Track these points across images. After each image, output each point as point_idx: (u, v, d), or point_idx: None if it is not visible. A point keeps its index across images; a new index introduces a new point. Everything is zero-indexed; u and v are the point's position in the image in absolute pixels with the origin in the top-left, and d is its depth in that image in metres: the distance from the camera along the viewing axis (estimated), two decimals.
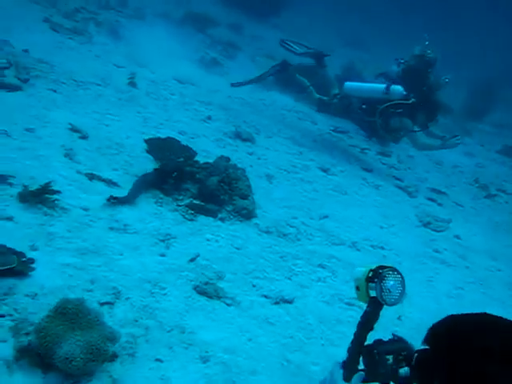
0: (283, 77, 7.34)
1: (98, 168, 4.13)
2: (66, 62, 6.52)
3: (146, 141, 4.29)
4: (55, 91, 5.39)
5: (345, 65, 10.80)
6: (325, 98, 7.01)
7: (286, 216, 4.65)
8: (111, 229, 3.36)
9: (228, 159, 4.62)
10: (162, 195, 4.04)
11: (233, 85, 7.50)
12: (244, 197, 4.24)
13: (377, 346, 1.53)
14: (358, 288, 1.67)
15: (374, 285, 1.61)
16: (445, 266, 4.63)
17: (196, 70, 8.67)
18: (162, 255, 3.29)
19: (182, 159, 4.21)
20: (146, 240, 3.38)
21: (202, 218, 3.99)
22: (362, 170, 6.78)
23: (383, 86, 6.29)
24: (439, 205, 6.35)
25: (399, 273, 1.63)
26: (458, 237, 5.53)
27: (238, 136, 6.29)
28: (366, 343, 1.56)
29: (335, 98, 6.89)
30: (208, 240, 3.70)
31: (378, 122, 6.35)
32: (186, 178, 4.21)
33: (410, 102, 6.10)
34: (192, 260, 3.33)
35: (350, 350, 1.59)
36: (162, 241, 3.44)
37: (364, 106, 6.59)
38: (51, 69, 6.07)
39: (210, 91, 7.78)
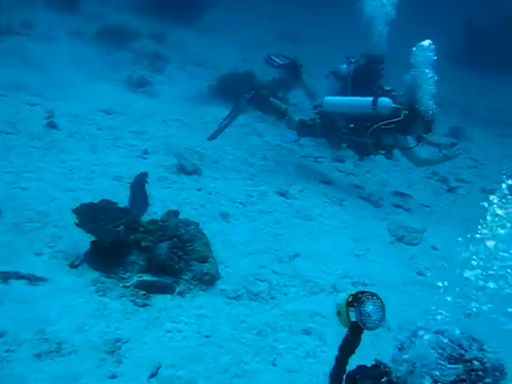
0: (257, 103, 6.28)
1: (16, 256, 3.30)
2: None
3: (74, 211, 3.49)
4: None
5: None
6: (305, 118, 6.11)
7: (252, 267, 4.02)
8: (38, 356, 2.57)
9: (177, 213, 3.91)
10: (103, 278, 3.27)
11: (210, 138, 6.14)
12: (203, 259, 3.57)
13: (359, 371, 1.57)
14: (339, 313, 1.75)
15: (354, 309, 1.68)
16: (435, 293, 4.15)
17: (124, 94, 7.81)
18: (113, 377, 2.56)
19: (121, 227, 3.45)
20: (89, 359, 2.63)
21: (156, 299, 3.27)
22: (321, 184, 6.24)
23: (369, 99, 5.51)
24: (407, 210, 5.93)
25: (378, 297, 1.73)
26: (434, 247, 5.12)
27: (182, 170, 5.56)
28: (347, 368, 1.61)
29: (317, 118, 6.03)
30: (169, 332, 3.00)
31: (369, 142, 5.64)
32: (130, 249, 3.47)
33: (402, 117, 5.39)
34: (153, 375, 2.62)
35: (332, 376, 1.69)
36: (111, 353, 2.70)
37: (352, 126, 5.77)
38: None
39: (143, 117, 6.97)
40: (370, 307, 1.68)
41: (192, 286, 3.45)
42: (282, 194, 5.54)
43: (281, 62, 6.65)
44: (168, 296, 3.31)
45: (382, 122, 5.44)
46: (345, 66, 6.18)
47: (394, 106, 5.46)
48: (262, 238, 4.55)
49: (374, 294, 1.73)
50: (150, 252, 3.46)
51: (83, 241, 3.52)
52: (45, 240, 3.60)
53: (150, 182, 5.11)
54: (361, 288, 3.95)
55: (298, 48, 14.26)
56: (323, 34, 15.70)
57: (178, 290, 3.39)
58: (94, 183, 4.74)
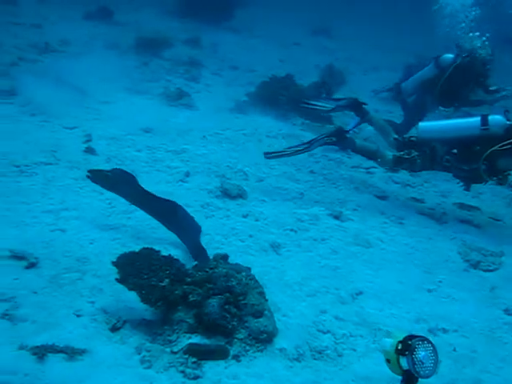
0: (343, 145, 5.52)
1: (55, 319, 2.92)
2: (5, 141, 5.26)
3: (115, 264, 3.09)
4: None
5: (324, 69, 9.56)
6: (400, 153, 5.24)
7: (312, 313, 3.51)
8: None
9: (226, 257, 3.45)
10: (147, 344, 2.85)
11: (267, 155, 5.41)
12: (259, 314, 3.09)
13: None
14: (388, 361, 1.80)
15: (405, 357, 1.69)
16: None
17: (161, 109, 7.42)
18: None
19: (167, 281, 3.02)
20: None
21: (209, 368, 2.83)
22: (377, 199, 5.65)
23: (477, 119, 4.74)
24: (476, 226, 5.27)
25: (429, 341, 1.72)
26: None
27: (226, 194, 5.10)
28: None
29: (413, 150, 5.13)
30: None
31: (482, 168, 4.77)
32: (175, 305, 3.04)
33: None
34: None
35: None
36: None
37: (455, 151, 4.98)
38: None
39: (181, 134, 6.56)
40: (421, 353, 1.61)
41: (248, 347, 2.98)
42: (336, 217, 5.00)
43: (331, 106, 6.01)
44: (222, 363, 2.85)
45: (500, 144, 4.62)
46: (450, 55, 5.54)
47: (509, 122, 4.68)
48: (319, 274, 4.04)
49: (424, 339, 1.66)
50: (199, 309, 3.01)
51: (124, 292, 3.10)
52: (84, 294, 3.22)
53: (193, 211, 4.71)
54: (442, 338, 3.41)
55: (333, 45, 13.59)
56: (358, 30, 14.90)
57: (232, 353, 2.92)
58: (134, 217, 4.35)
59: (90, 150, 5.52)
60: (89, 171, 3.96)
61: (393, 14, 16.07)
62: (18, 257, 3.35)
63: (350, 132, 5.69)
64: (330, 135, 5.31)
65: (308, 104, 6.02)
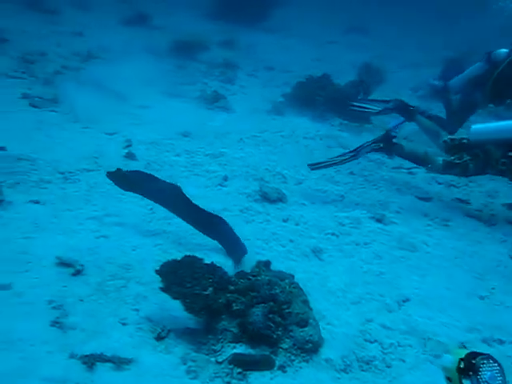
0: (390, 152, 5.24)
1: (102, 328, 2.94)
2: (49, 149, 5.38)
3: (158, 272, 3.08)
4: (38, 202, 4.23)
5: (361, 67, 9.35)
6: (451, 158, 4.98)
7: (358, 321, 3.41)
8: None
9: (268, 264, 3.38)
10: (193, 354, 2.83)
11: (312, 166, 5.21)
12: (304, 323, 3.02)
13: None
14: (449, 379, 1.56)
15: (468, 378, 1.50)
16: None
17: (198, 112, 7.45)
18: None
19: (210, 289, 2.99)
20: None
21: (255, 378, 2.77)
22: (420, 201, 5.47)
23: None
24: None
25: (495, 360, 1.55)
26: None
27: (265, 197, 5.04)
28: None
29: (464, 154, 4.87)
30: None
31: None
32: (219, 314, 3.01)
33: None
34: None
35: None
36: None
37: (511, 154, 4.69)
38: (32, 165, 4.93)
39: (219, 137, 6.56)
40: (487, 374, 1.47)
41: (293, 357, 2.92)
42: (379, 220, 4.85)
43: (378, 108, 5.84)
44: (267, 373, 2.80)
45: None
46: (505, 50, 5.32)
47: None
48: (363, 280, 3.92)
49: (488, 357, 1.54)
50: (243, 317, 2.96)
51: (168, 300, 3.09)
52: (128, 302, 3.23)
53: (232, 216, 4.68)
54: (499, 349, 3.23)
55: (369, 42, 13.30)
56: (394, 26, 14.54)
57: (278, 363, 2.86)
58: (175, 223, 4.34)
59: (130, 156, 5.58)
60: (108, 173, 3.96)
61: (430, 10, 15.62)
62: (65, 264, 3.40)
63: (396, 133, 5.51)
64: (377, 141, 5.13)
65: (356, 106, 5.87)
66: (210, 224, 3.96)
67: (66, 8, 10.49)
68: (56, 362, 2.57)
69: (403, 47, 12.75)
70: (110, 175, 3.95)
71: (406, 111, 5.65)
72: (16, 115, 5.94)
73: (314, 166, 5.16)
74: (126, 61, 8.91)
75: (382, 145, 5.11)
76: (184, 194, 3.92)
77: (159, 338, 2.89)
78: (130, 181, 3.97)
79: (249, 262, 3.58)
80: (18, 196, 4.23)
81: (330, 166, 5.18)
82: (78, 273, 3.36)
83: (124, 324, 2.98)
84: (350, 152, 5.16)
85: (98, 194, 4.62)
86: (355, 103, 5.95)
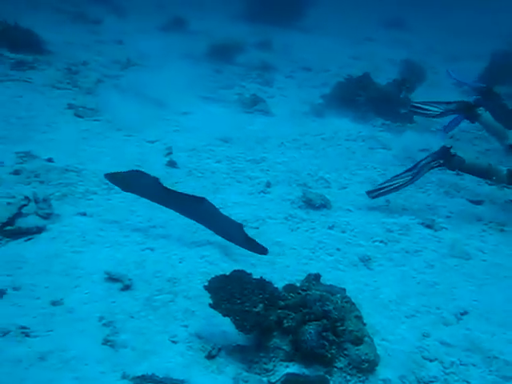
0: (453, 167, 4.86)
1: (152, 347, 2.88)
2: (94, 159, 5.41)
3: (207, 288, 3.00)
4: (85, 214, 4.24)
5: (402, 64, 9.03)
6: None
7: (414, 336, 3.22)
8: None
9: (318, 277, 3.25)
10: (244, 373, 2.73)
11: (371, 194, 4.85)
12: (358, 341, 2.86)
13: None
14: None
15: None
16: None
17: (237, 116, 7.36)
18: None
19: (261, 306, 2.88)
20: None
21: None
22: (471, 204, 5.19)
23: None
24: None
25: None
26: None
27: (309, 204, 4.89)
28: None
29: None
30: None
31: None
32: (270, 331, 2.90)
33: None
34: None
35: None
36: None
37: None
38: (78, 176, 4.96)
39: (259, 141, 6.45)
40: None
41: (349, 377, 2.77)
42: (428, 226, 4.62)
43: (439, 110, 5.56)
44: None
45: None
46: None
47: None
48: (416, 291, 3.72)
49: None
50: (295, 335, 2.84)
51: (217, 316, 3.00)
52: (177, 317, 3.17)
53: (277, 224, 4.57)
54: None
55: (408, 37, 12.87)
56: (434, 18, 14.01)
57: (332, 383, 2.72)
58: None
59: (171, 164, 5.55)
60: (105, 175, 4.03)
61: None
62: (113, 279, 3.37)
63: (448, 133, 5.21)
64: (435, 158, 4.79)
65: (416, 108, 5.60)
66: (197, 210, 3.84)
67: (106, 17, 10.64)
68: (109, 383, 2.53)
69: (445, 41, 12.26)
70: (108, 176, 4.00)
71: (471, 113, 5.34)
72: (62, 126, 6.02)
73: (374, 194, 4.80)
74: (164, 67, 8.95)
75: (441, 161, 4.78)
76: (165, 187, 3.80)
77: (210, 357, 2.81)
78: (127, 181, 3.96)
79: None
80: (66, 208, 4.25)
81: (390, 192, 4.79)
82: (126, 288, 3.32)
83: (174, 342, 2.91)
84: (407, 171, 4.77)
85: (142, 205, 4.59)
86: (415, 103, 5.67)
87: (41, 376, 2.49)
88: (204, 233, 4.25)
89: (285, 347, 2.87)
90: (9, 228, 3.58)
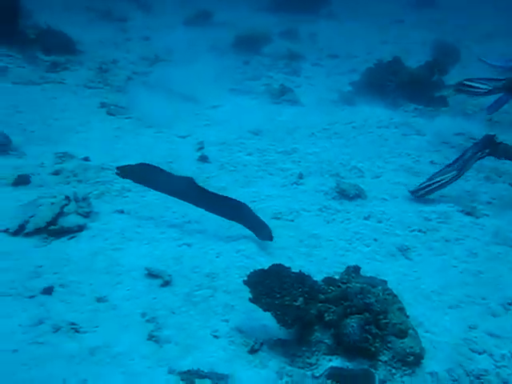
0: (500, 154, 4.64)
1: (195, 341, 2.91)
2: (127, 156, 5.46)
3: (246, 282, 3.00)
4: (122, 212, 4.30)
5: (434, 45, 8.74)
6: None
7: (459, 328, 3.14)
8: None
9: (357, 269, 3.19)
10: (288, 367, 2.72)
11: (415, 194, 4.71)
12: (402, 334, 2.80)
13: None
14: None
15: None
16: None
17: (266, 107, 7.30)
18: None
19: (301, 300, 2.86)
20: None
21: None
22: None
23: None
24: None
25: None
26: None
27: (343, 194, 4.81)
28: None
29: None
30: None
31: None
32: (311, 325, 2.87)
33: None
34: None
35: None
36: None
37: None
38: (114, 174, 5.03)
39: (289, 132, 6.39)
40: None
41: (394, 371, 2.72)
42: (469, 213, 4.48)
43: (487, 87, 5.34)
44: None
45: None
46: None
47: None
48: (459, 281, 3.62)
49: None
50: (337, 328, 2.81)
51: (257, 310, 3.00)
52: (218, 312, 3.18)
53: (312, 216, 4.52)
54: None
55: (440, 16, 12.43)
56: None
57: (377, 377, 2.68)
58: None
59: (203, 158, 5.56)
60: (116, 168, 4.14)
61: None
62: (153, 275, 3.41)
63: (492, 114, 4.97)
64: (480, 149, 4.57)
65: (466, 86, 5.36)
66: (227, 207, 3.90)
67: (133, 14, 10.71)
68: (157, 378, 2.57)
69: (478, 18, 11.79)
70: (119, 169, 4.12)
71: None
72: (96, 125, 6.11)
73: (418, 193, 4.65)
74: (191, 61, 8.95)
75: (487, 150, 4.58)
76: (195, 182, 3.92)
77: (253, 351, 2.81)
78: (137, 174, 4.07)
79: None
80: (104, 206, 4.32)
81: (436, 190, 4.63)
82: (166, 284, 3.35)
83: (216, 337, 2.93)
84: (450, 165, 4.60)
85: (177, 201, 4.60)
86: (466, 82, 5.43)
87: (91, 371, 2.56)
88: (239, 226, 4.24)
89: (327, 341, 2.84)
90: (53, 227, 3.67)
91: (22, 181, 4.33)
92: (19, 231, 3.61)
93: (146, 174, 4.06)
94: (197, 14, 10.99)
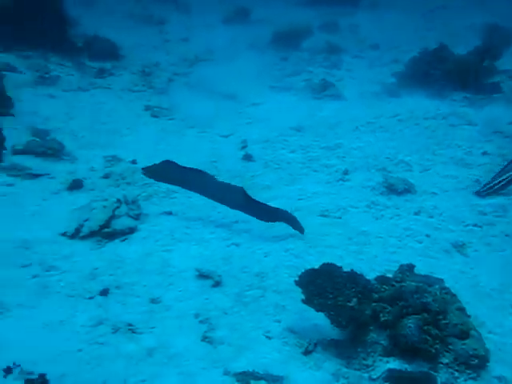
0: None
1: (247, 342, 2.90)
2: (172, 158, 5.51)
3: (298, 283, 2.96)
4: (170, 213, 4.36)
5: (484, 29, 8.34)
6: None
7: None
8: None
9: (411, 267, 3.09)
10: (344, 369, 2.67)
11: (482, 194, 4.52)
12: (464, 334, 2.69)
13: None
14: None
15: None
16: None
17: (307, 103, 7.21)
18: None
19: (354, 300, 2.80)
20: None
21: None
22: None
23: None
24: None
25: None
26: None
27: (391, 189, 4.69)
28: None
29: None
30: None
31: None
32: (366, 325, 2.81)
33: None
34: None
35: None
36: None
37: None
38: None
39: (332, 127, 6.29)
40: None
41: (457, 374, 2.62)
42: None
43: None
44: None
45: None
46: None
47: None
48: None
49: None
50: (393, 329, 2.73)
51: (308, 310, 2.95)
52: (269, 312, 3.17)
53: (360, 212, 4.42)
54: None
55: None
56: None
57: (439, 380, 2.59)
58: (303, 224, 4.19)
59: (247, 157, 5.55)
60: (142, 169, 4.27)
61: None
62: (204, 276, 3.43)
63: None
64: None
65: None
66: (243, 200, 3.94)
67: (172, 16, 10.83)
68: (212, 379, 2.58)
69: None
70: (144, 170, 4.24)
71: None
72: (141, 127, 6.23)
73: (484, 193, 4.45)
74: (231, 59, 8.96)
75: None
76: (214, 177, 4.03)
77: (307, 353, 2.78)
78: (159, 172, 4.17)
79: None
80: (153, 208, 4.39)
81: (503, 188, 4.41)
82: (217, 284, 3.37)
83: (269, 337, 2.91)
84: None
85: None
86: None
87: (149, 371, 2.60)
88: (285, 225, 4.21)
89: (382, 342, 2.77)
90: (106, 230, 3.76)
91: (76, 185, 4.47)
92: (75, 234, 3.73)
93: (168, 172, 4.16)
94: (235, 11, 10.98)
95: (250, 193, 4.54)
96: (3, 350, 2.59)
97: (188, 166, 4.10)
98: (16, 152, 4.92)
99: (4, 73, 6.05)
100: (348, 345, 2.81)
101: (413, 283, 2.91)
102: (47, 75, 6.87)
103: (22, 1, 6.88)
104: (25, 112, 5.84)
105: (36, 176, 4.61)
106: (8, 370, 2.29)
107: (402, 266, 3.11)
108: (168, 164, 4.16)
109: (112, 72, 7.53)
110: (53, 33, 7.23)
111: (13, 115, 5.70)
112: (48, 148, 5.04)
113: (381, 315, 2.80)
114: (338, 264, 3.02)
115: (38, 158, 4.93)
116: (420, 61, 7.00)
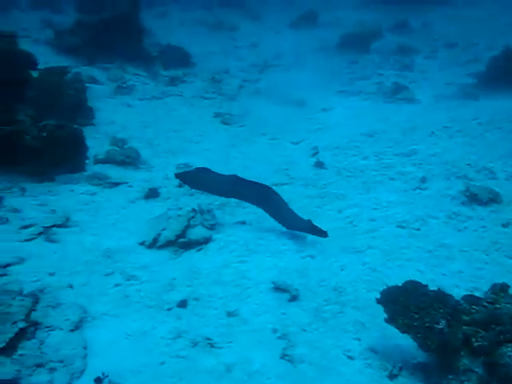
0: None
1: (329, 362, 2.80)
2: (244, 165, 5.55)
3: (379, 301, 2.81)
4: (244, 223, 4.34)
5: None
6: None
7: None
8: None
9: (505, 287, 2.84)
10: None
11: None
12: None
13: None
14: None
15: None
16: None
17: (378, 107, 6.99)
18: None
19: (443, 322, 2.61)
20: None
21: None
22: None
23: None
24: None
25: None
26: None
27: (475, 199, 4.38)
28: None
29: None
30: None
31: None
32: (457, 350, 2.61)
33: None
34: None
35: None
36: None
37: None
38: None
39: (406, 132, 6.02)
40: None
41: None
42: None
43: None
44: None
45: None
46: None
47: None
48: None
49: None
50: (489, 357, 2.51)
51: (389, 328, 2.80)
52: (348, 330, 3.05)
53: (439, 223, 4.17)
54: None
55: None
56: None
57: None
58: (379, 236, 4.03)
59: (319, 164, 5.44)
60: (175, 174, 4.28)
61: None
62: (280, 289, 3.37)
63: None
64: None
65: None
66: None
67: (241, 23, 10.94)
68: None
69: None
70: (177, 176, 4.25)
71: None
72: (212, 134, 6.31)
73: None
74: (299, 64, 8.89)
75: None
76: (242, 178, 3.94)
77: (392, 376, 2.64)
78: (191, 179, 4.14)
79: None
80: (226, 217, 4.39)
81: None
82: (294, 298, 3.29)
83: (350, 358, 2.79)
84: None
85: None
86: None
87: None
88: (363, 236, 4.07)
89: (477, 370, 2.55)
90: (182, 240, 3.80)
91: (152, 194, 4.58)
92: (153, 244, 3.80)
93: (200, 178, 4.16)
94: (302, 16, 10.91)
95: (327, 203, 4.45)
96: (92, 358, 2.67)
97: (220, 173, 4.09)
98: (97, 161, 5.14)
99: (87, 85, 6.36)
100: (436, 369, 2.62)
101: (508, 305, 2.67)
102: (124, 85, 7.16)
103: (108, 22, 7.20)
104: (104, 121, 6.11)
105: (116, 184, 4.78)
106: (98, 381, 2.35)
107: (494, 285, 2.87)
108: (202, 171, 4.17)
109: (184, 79, 7.71)
110: (130, 44, 7.53)
111: (93, 125, 5.98)
112: (126, 156, 5.22)
113: (473, 340, 2.59)
114: (419, 279, 2.85)
115: (117, 166, 5.12)
116: (502, 59, 6.53)
